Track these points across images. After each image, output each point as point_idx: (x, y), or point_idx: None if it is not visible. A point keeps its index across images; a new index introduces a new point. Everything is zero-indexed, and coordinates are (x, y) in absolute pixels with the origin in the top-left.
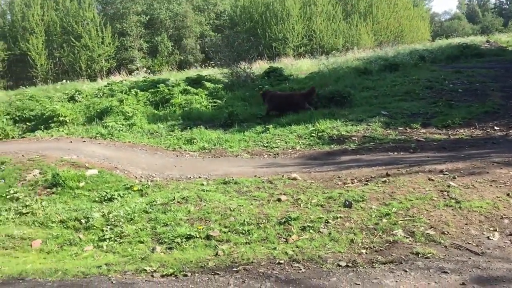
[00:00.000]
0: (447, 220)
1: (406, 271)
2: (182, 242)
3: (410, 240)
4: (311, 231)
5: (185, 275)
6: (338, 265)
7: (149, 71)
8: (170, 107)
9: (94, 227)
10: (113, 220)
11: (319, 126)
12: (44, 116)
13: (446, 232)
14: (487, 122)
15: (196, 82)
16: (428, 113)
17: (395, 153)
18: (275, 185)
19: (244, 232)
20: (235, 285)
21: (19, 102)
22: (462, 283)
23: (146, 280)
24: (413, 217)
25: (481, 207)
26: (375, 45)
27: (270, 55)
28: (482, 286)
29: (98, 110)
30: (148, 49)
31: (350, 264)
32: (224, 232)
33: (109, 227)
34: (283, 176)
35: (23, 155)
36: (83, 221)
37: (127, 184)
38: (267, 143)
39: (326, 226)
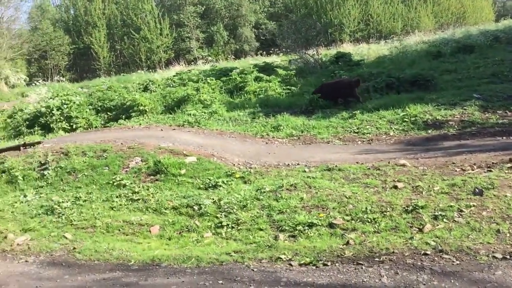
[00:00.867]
0: None
1: None
2: (304, 230)
3: None
4: (444, 220)
5: (325, 264)
6: (494, 257)
7: (206, 61)
8: (245, 94)
9: (208, 214)
10: (226, 207)
11: (410, 110)
12: (125, 106)
13: None
14: None
15: (265, 69)
16: None
17: (504, 137)
18: (384, 172)
19: (369, 220)
20: (388, 276)
21: (100, 93)
22: None
23: (286, 269)
24: None
25: None
26: (436, 28)
27: (325, 41)
28: None
29: (175, 99)
30: (204, 39)
31: (508, 256)
32: (347, 220)
33: (223, 214)
34: (389, 162)
35: (121, 143)
36: (195, 208)
37: (228, 171)
38: (357, 129)
39: (460, 215)
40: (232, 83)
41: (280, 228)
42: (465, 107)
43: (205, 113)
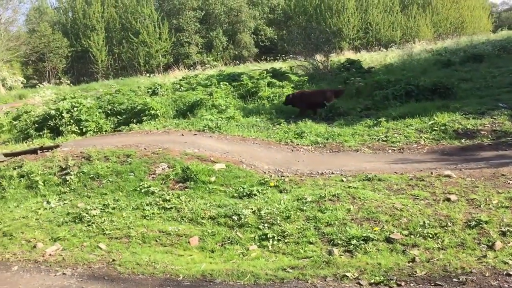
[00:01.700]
0: None
1: None
2: (360, 244)
3: None
4: None
5: (398, 285)
6: None
7: (205, 66)
8: (258, 100)
9: (249, 225)
10: (268, 217)
11: (438, 119)
12: (135, 110)
13: None
14: None
15: (276, 75)
16: None
17: None
18: (430, 183)
19: (430, 235)
20: None
21: (109, 96)
22: None
23: None
24: None
25: None
26: (434, 37)
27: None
28: None
29: (187, 104)
30: (203, 44)
31: None
32: (406, 235)
33: (266, 225)
34: (431, 173)
35: (145, 148)
36: (235, 218)
37: (260, 180)
38: (385, 137)
39: None
40: (243, 88)
41: (332, 242)
42: (494, 116)
43: (222, 118)
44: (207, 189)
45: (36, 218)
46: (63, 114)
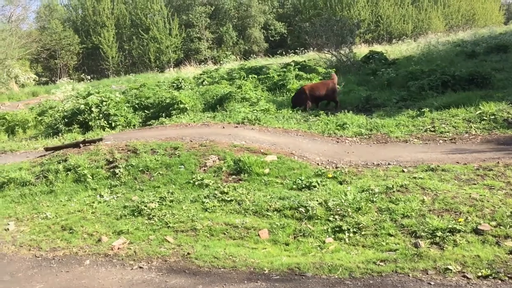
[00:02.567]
0: None
1: None
2: (446, 236)
3: None
4: None
5: (510, 277)
6: None
7: (223, 60)
8: (287, 92)
9: (318, 217)
10: (337, 209)
11: (484, 109)
12: (164, 104)
13: None
14: None
15: (302, 67)
16: None
17: None
18: (500, 173)
19: None
20: None
21: (135, 90)
22: None
23: (466, 283)
24: None
25: None
26: (446, 29)
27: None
28: None
29: (215, 97)
30: (213, 39)
31: None
32: (494, 226)
33: (337, 217)
34: (498, 162)
35: (190, 141)
36: (302, 210)
37: (316, 171)
38: (432, 127)
39: None
40: (269, 81)
41: (414, 234)
42: None
43: (257, 110)
44: (263, 181)
45: (92, 211)
46: (92, 109)
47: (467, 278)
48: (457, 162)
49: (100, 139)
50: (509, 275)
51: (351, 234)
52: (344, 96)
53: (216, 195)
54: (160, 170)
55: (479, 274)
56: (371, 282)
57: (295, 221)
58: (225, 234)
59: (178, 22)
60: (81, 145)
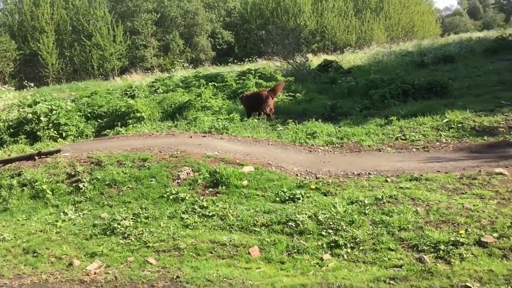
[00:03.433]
0: None
1: None
2: (450, 250)
3: None
4: None
5: None
6: None
7: (162, 69)
8: None
9: (309, 232)
10: (330, 223)
11: (450, 117)
12: (119, 112)
13: None
14: None
15: (261, 76)
16: None
17: None
18: (486, 182)
19: None
20: None
21: (87, 99)
22: None
23: None
24: None
25: None
26: (387, 41)
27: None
28: None
29: (174, 105)
30: (159, 47)
31: None
32: (497, 238)
33: (330, 231)
34: (479, 171)
35: (160, 151)
36: (291, 224)
37: (298, 182)
38: (403, 136)
39: None
40: (227, 89)
41: (415, 248)
42: (505, 114)
43: (221, 119)
44: (242, 193)
45: (57, 231)
46: (40, 118)
47: None
48: (438, 171)
49: (58, 151)
50: None
51: (349, 250)
52: (307, 104)
53: (196, 209)
54: (129, 184)
55: None
56: None
57: (286, 236)
58: (212, 253)
59: (122, 29)
60: (36, 157)
